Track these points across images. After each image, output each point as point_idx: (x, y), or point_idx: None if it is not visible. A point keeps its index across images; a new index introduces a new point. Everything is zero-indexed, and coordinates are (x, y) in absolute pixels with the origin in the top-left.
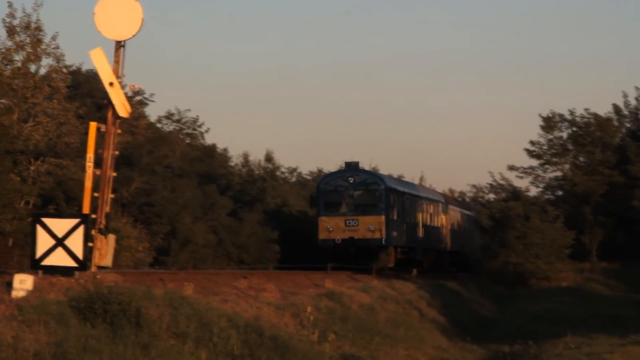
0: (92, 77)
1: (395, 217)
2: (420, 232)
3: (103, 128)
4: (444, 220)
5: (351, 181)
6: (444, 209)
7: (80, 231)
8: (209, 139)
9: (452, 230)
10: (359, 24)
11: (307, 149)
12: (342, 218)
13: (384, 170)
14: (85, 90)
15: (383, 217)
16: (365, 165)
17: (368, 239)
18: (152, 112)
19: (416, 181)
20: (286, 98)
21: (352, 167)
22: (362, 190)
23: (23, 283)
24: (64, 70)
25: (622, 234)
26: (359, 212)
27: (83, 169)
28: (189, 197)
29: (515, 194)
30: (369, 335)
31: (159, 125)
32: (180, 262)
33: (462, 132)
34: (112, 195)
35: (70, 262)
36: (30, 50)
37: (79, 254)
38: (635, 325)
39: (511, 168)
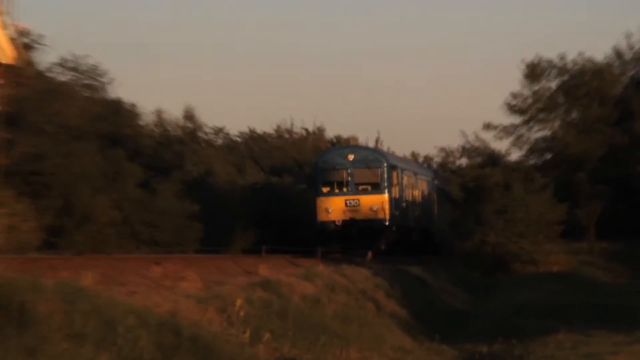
0: None
1: (397, 196)
2: (417, 212)
3: None
4: (435, 197)
5: (351, 158)
6: (434, 186)
7: None
8: (113, 92)
9: (438, 208)
10: None
11: (235, 105)
12: (342, 198)
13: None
14: None
15: (386, 196)
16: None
17: (371, 219)
18: (42, 59)
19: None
20: (209, 44)
21: (351, 144)
22: (363, 167)
23: None
24: None
25: (625, 207)
26: (360, 192)
27: None
28: (87, 164)
29: (493, 159)
30: (314, 334)
31: (50, 75)
32: (77, 245)
33: (428, 81)
34: None
35: None
36: None
37: None
38: None
39: (488, 127)
